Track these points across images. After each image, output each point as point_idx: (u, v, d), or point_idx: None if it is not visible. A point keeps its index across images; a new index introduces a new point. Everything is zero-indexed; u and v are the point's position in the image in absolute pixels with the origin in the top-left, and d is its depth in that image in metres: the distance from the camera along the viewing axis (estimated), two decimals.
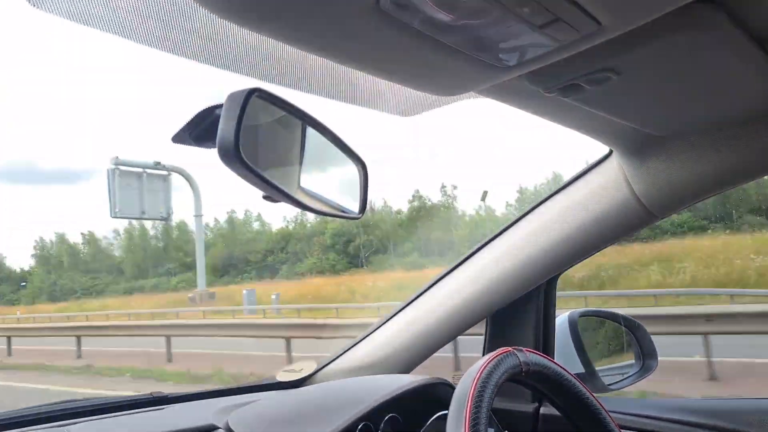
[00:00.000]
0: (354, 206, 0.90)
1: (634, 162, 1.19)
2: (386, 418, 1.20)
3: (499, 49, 0.69)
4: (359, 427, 1.15)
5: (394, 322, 1.59)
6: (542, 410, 1.47)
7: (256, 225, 73.26)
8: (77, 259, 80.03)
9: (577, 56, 0.72)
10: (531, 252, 1.37)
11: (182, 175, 15.15)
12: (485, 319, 1.55)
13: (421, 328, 1.53)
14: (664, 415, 1.35)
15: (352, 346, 1.65)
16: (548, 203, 1.37)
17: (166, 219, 13.69)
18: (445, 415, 1.04)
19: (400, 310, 1.59)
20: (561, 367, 1.05)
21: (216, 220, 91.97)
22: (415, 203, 50.02)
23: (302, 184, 0.80)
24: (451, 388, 1.32)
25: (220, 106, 0.71)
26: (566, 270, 1.44)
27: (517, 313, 1.51)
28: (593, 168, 1.30)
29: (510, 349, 0.97)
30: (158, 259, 73.94)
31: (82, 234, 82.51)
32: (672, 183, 1.16)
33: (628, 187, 1.21)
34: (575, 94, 0.85)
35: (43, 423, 1.22)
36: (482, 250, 1.48)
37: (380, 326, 1.62)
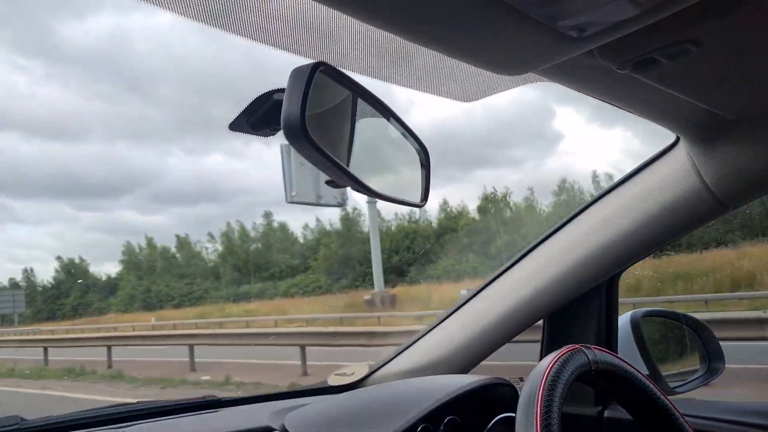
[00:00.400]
0: (417, 194, 0.89)
1: (704, 149, 1.14)
2: (446, 420, 1.18)
3: (577, 17, 0.65)
4: (419, 429, 1.13)
5: (449, 323, 1.58)
6: (607, 413, 1.44)
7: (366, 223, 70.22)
8: (170, 264, 79.26)
9: (657, 25, 0.68)
10: (592, 248, 1.33)
11: None
12: (542, 320, 1.52)
13: (476, 328, 1.52)
14: (731, 417, 1.31)
15: (406, 349, 1.64)
16: (611, 196, 1.33)
17: (342, 205, 12.45)
18: (508, 417, 1.19)
19: (455, 311, 1.58)
20: (631, 366, 1.01)
21: (318, 219, 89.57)
22: (563, 196, 45.34)
23: (366, 168, 0.76)
24: (512, 388, 1.30)
25: (278, 91, 0.71)
26: (630, 266, 1.39)
27: (576, 312, 1.49)
28: (659, 158, 1.25)
29: (577, 346, 0.94)
30: (260, 263, 71.91)
31: (176, 236, 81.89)
32: (745, 171, 1.12)
33: (698, 176, 1.16)
34: (649, 70, 0.81)
35: (101, 426, 1.27)
36: (541, 246, 1.44)
37: (434, 328, 1.61)
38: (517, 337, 1.52)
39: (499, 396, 1.28)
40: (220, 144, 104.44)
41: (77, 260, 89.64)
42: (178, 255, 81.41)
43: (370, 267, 55.07)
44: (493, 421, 1.20)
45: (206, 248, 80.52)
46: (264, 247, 74.42)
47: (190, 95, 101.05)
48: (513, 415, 1.02)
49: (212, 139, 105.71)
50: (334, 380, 1.65)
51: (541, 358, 1.03)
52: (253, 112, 0.76)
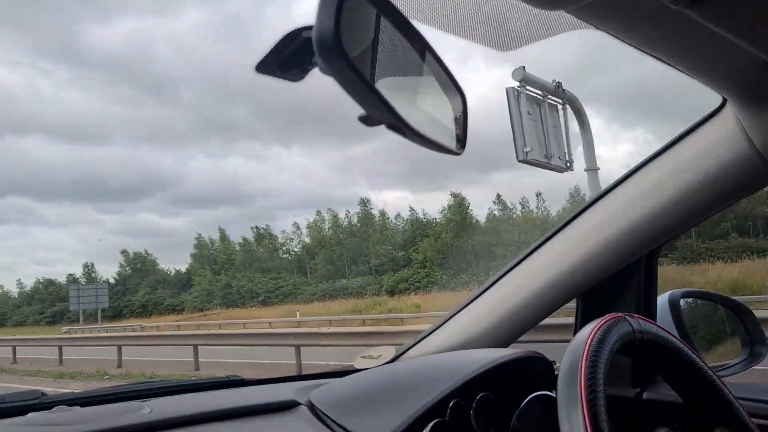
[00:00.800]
0: (453, 140, 0.83)
1: (754, 110, 1.08)
2: (478, 396, 1.16)
3: None
4: (450, 404, 1.12)
5: (479, 303, 1.57)
6: (645, 395, 1.40)
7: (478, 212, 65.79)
8: (251, 258, 76.06)
9: None
10: (631, 220, 1.30)
11: (572, 108, 10.83)
12: (576, 300, 1.49)
13: (507, 308, 1.50)
14: None
15: (434, 330, 1.63)
16: (652, 165, 1.29)
17: (566, 170, 10.31)
18: (543, 396, 1.17)
19: (485, 290, 1.56)
20: (678, 339, 0.97)
21: (411, 208, 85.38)
22: None
23: (401, 102, 0.71)
24: (548, 363, 1.30)
25: (307, 29, 0.69)
26: (671, 240, 1.36)
27: (612, 290, 1.45)
28: (703, 123, 1.20)
29: (620, 314, 0.91)
30: (356, 255, 68.00)
31: (255, 228, 78.92)
32: None
33: (747, 140, 1.11)
34: (706, 6, 0.75)
35: (122, 401, 1.31)
36: (578, 219, 1.41)
37: (463, 308, 1.59)
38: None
39: (533, 372, 1.27)
40: (240, 147, 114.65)
41: (143, 253, 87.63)
42: (258, 247, 78.38)
43: (494, 260, 50.28)
44: (527, 399, 1.16)
45: (291, 240, 77.30)
46: (360, 237, 70.66)
47: (211, 99, 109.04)
48: (549, 393, 1.16)
49: (232, 143, 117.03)
50: (360, 363, 1.62)
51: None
52: (282, 52, 0.70)
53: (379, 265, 65.07)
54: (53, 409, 1.16)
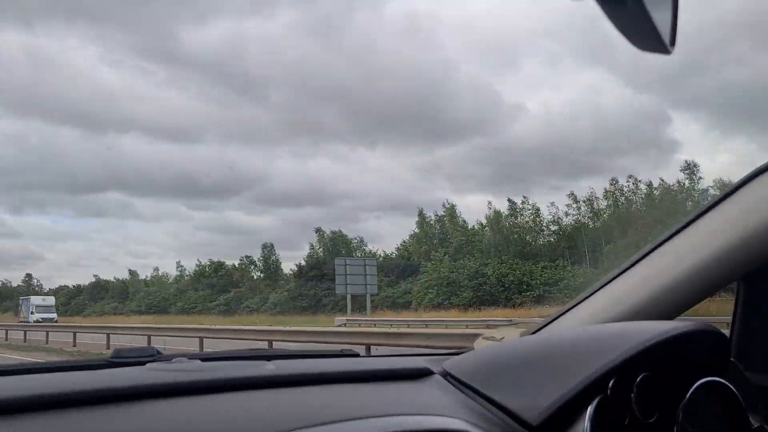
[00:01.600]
0: (666, 33, 0.74)
1: None
2: (639, 378, 1.07)
3: None
4: (610, 383, 1.06)
5: (630, 275, 1.47)
6: None
7: None
8: (504, 239, 64.84)
9: None
10: None
11: None
12: (737, 283, 1.38)
13: (653, 287, 1.37)
14: None
15: (577, 304, 1.55)
16: None
17: None
18: (714, 383, 1.06)
19: (639, 260, 1.45)
20: None
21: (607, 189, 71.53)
22: None
23: None
24: (722, 339, 1.18)
25: None
26: None
27: None
28: None
29: None
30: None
31: (509, 201, 67.95)
32: None
33: None
34: None
35: (245, 360, 1.38)
36: (750, 183, 1.25)
37: (612, 280, 1.51)
38: None
39: (703, 351, 1.15)
40: (326, 148, 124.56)
41: (341, 232, 78.95)
42: (485, 229, 67.06)
43: None
44: (695, 386, 1.07)
45: (566, 215, 65.54)
46: (685, 214, 57.89)
47: (300, 100, 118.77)
48: (721, 381, 1.05)
49: (319, 143, 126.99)
50: (480, 344, 1.64)
51: (732, 330, 1.00)
52: None
53: None
54: (172, 360, 1.28)
